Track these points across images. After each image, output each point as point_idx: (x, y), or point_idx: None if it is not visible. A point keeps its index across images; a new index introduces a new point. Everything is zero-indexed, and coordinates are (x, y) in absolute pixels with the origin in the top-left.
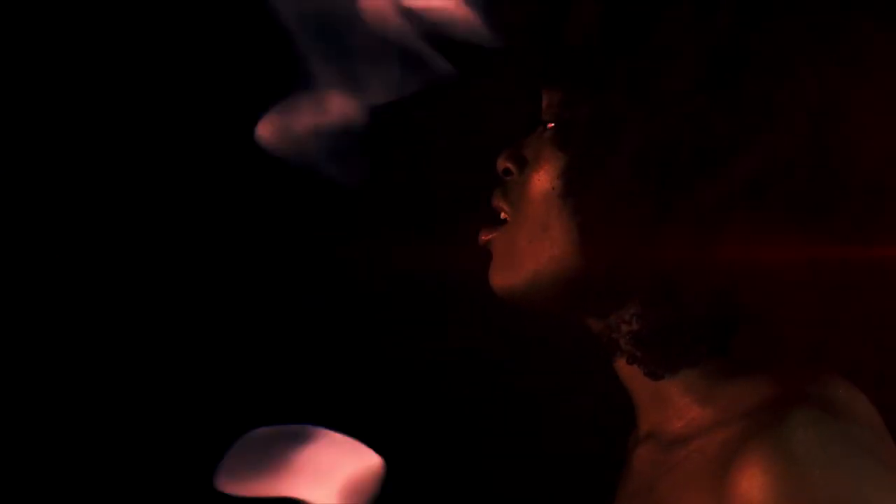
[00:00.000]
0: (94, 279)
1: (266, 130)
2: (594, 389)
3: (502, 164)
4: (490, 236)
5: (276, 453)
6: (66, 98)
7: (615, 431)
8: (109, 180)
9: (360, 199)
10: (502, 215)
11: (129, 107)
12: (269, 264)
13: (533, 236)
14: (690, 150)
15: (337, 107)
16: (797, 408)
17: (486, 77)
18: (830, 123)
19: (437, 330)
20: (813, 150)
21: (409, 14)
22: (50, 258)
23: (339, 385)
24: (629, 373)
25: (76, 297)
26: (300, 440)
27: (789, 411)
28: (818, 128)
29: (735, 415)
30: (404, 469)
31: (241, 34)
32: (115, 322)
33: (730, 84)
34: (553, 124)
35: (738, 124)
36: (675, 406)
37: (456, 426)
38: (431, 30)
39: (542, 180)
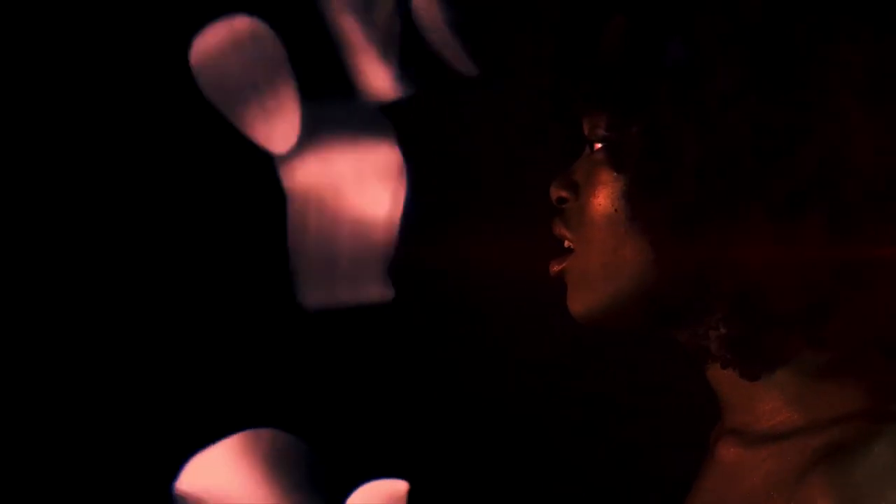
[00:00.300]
0: (89, 278)
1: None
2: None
3: (556, 192)
4: (561, 266)
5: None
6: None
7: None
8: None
9: None
10: (566, 243)
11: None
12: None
13: (605, 260)
14: (753, 151)
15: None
16: (883, 429)
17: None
18: (883, 99)
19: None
20: (871, 128)
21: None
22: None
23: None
24: (720, 376)
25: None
26: None
27: (873, 432)
28: (871, 104)
29: (822, 421)
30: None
31: None
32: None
33: (776, 77)
34: (600, 146)
35: (794, 116)
36: (765, 407)
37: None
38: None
39: (603, 204)
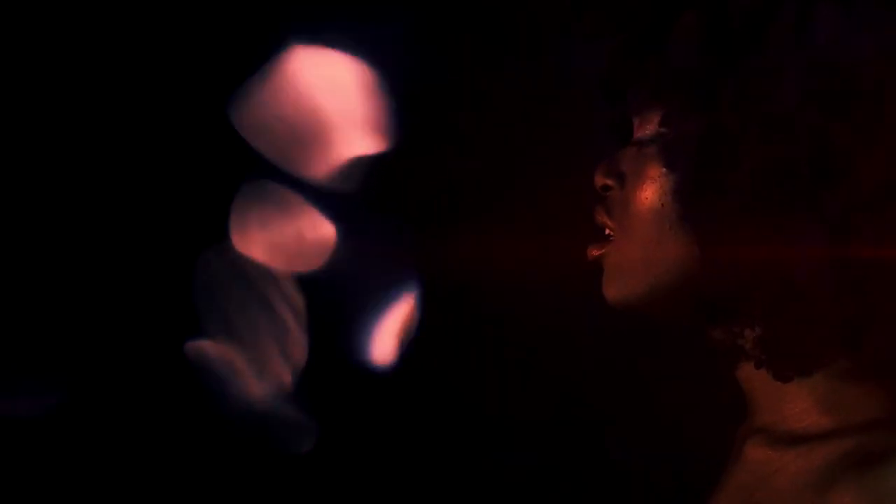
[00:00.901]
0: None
1: None
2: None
3: (601, 180)
4: (601, 252)
5: None
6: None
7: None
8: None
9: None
10: (607, 231)
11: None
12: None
13: (647, 253)
14: (811, 164)
15: None
16: None
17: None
18: None
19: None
20: None
21: None
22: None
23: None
24: (750, 375)
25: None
26: None
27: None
28: None
29: (850, 426)
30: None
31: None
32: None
33: (840, 93)
34: (652, 139)
35: (854, 136)
36: (795, 409)
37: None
38: None
39: (651, 198)
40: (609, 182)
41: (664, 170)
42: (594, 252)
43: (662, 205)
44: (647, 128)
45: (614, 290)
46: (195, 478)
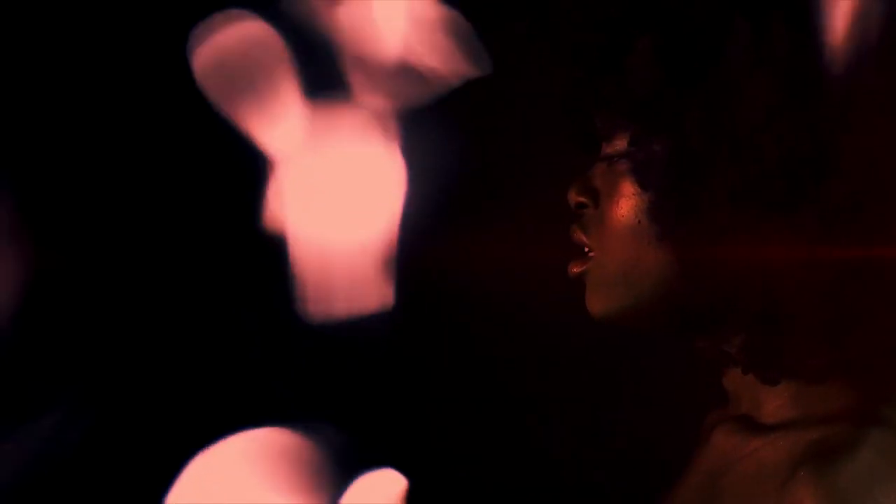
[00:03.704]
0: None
1: None
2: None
3: (575, 198)
4: (581, 269)
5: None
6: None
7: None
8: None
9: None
10: (585, 249)
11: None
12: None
13: (626, 268)
14: (782, 175)
15: None
16: (868, 432)
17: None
18: None
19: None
20: None
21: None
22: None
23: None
24: (738, 379)
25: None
26: None
27: (854, 437)
28: None
29: (813, 417)
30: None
31: None
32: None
33: (804, 104)
34: (622, 157)
35: (822, 141)
36: (773, 404)
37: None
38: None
39: (627, 216)
40: (583, 200)
41: (638, 189)
42: (575, 269)
43: (639, 222)
44: (616, 144)
45: (598, 306)
46: None
